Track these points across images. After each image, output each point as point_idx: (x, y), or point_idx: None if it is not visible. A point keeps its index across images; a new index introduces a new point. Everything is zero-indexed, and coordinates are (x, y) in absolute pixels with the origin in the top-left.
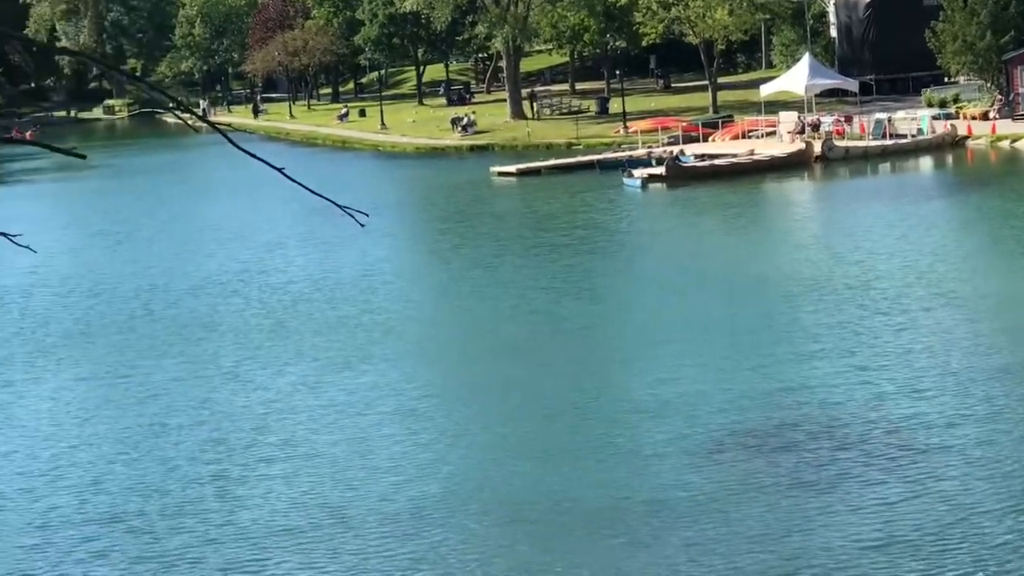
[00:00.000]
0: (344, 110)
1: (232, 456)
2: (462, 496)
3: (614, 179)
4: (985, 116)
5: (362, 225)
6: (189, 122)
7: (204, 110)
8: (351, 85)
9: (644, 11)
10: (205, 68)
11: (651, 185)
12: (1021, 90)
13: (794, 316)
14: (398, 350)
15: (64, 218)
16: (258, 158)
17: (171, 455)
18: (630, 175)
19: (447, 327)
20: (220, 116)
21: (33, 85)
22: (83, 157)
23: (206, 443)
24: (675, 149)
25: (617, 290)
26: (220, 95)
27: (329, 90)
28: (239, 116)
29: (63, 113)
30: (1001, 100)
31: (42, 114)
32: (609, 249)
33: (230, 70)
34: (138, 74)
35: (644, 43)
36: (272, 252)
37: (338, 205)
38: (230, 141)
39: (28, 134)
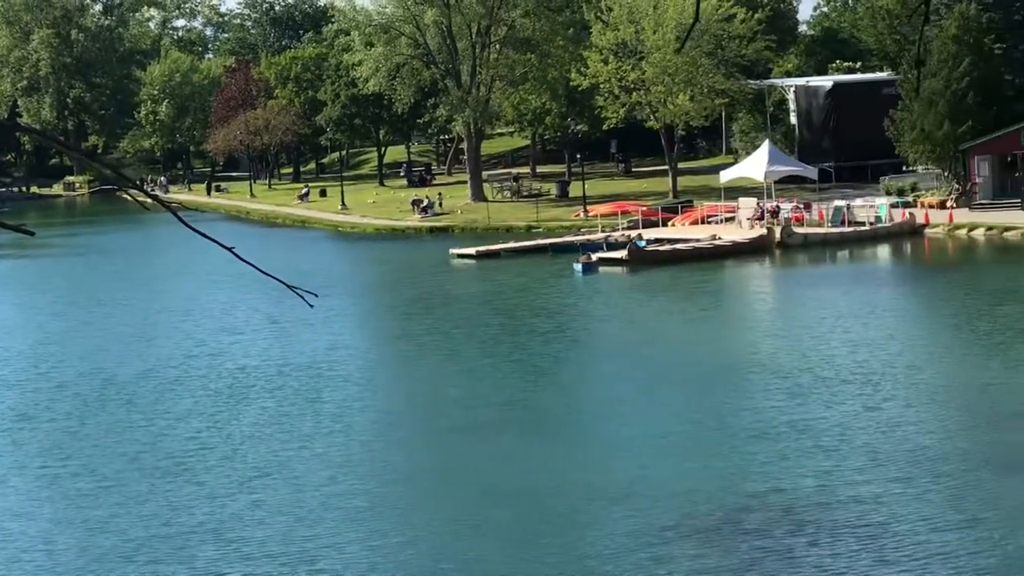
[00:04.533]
0: (305, 190)
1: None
2: None
3: (571, 263)
4: (943, 205)
5: (311, 305)
6: (139, 200)
7: (164, 187)
8: (312, 165)
9: (606, 95)
10: (167, 146)
11: (612, 269)
12: (978, 180)
13: (747, 398)
14: (351, 436)
15: (13, 299)
16: (208, 237)
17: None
18: (588, 259)
19: (402, 412)
20: (179, 194)
21: None
22: (31, 234)
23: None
24: (633, 233)
25: (574, 374)
26: (181, 173)
27: (290, 169)
28: (197, 194)
29: (22, 189)
30: (959, 189)
31: (2, 189)
32: (568, 335)
33: (192, 148)
34: (99, 150)
35: (605, 127)
36: (227, 336)
37: (287, 285)
38: (179, 219)
39: None
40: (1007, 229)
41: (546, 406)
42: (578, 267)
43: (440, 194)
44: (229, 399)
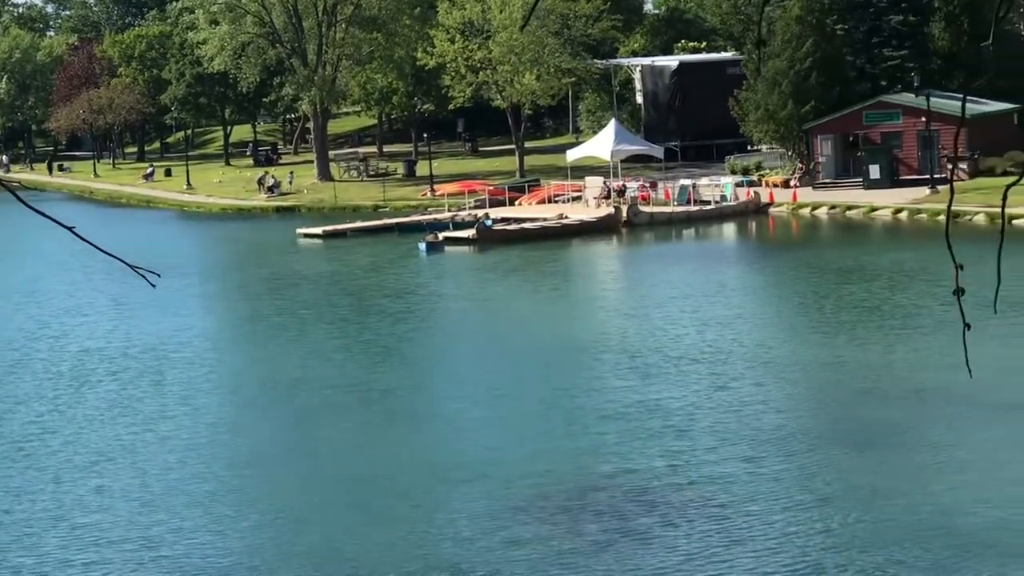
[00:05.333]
0: (149, 169)
1: None
2: (267, 561)
3: (418, 242)
4: (787, 184)
5: (153, 285)
6: None
7: (5, 166)
8: (157, 144)
9: (452, 75)
10: (8, 124)
11: (459, 248)
12: (821, 159)
13: (597, 378)
14: (197, 419)
15: None
16: (48, 217)
17: None
18: (435, 238)
19: (249, 394)
20: (20, 174)
21: None
22: None
23: None
24: (480, 213)
25: (422, 354)
26: (23, 152)
27: (135, 149)
28: (40, 174)
29: None
30: (802, 168)
31: None
32: (417, 315)
33: (33, 127)
34: None
35: (452, 106)
36: (70, 317)
37: (128, 264)
38: (19, 199)
39: None
40: (849, 208)
41: (395, 387)
42: (422, 246)
43: (292, 172)
44: (72, 382)
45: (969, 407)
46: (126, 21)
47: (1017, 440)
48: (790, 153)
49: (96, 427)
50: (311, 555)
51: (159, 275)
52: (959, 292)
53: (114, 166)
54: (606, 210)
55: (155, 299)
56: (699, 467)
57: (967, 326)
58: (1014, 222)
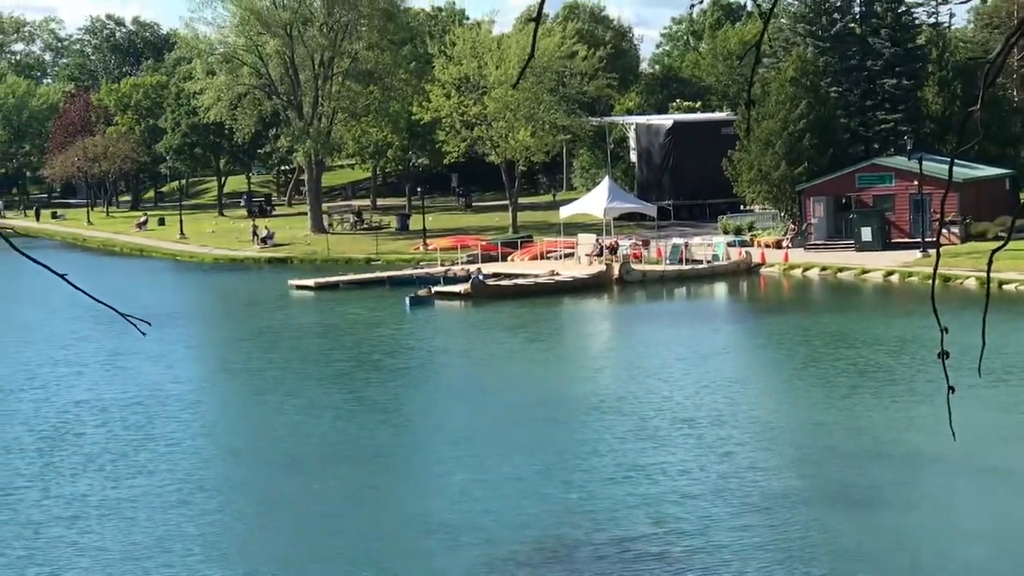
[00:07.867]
0: (143, 218)
1: None
2: None
3: (405, 296)
4: (779, 244)
5: (144, 334)
6: None
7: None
8: (151, 193)
9: (447, 129)
10: (2, 171)
11: (450, 303)
12: (813, 220)
13: (592, 440)
14: (185, 472)
15: None
16: (39, 263)
17: None
18: (428, 292)
19: (236, 446)
20: (14, 220)
21: None
22: None
23: None
24: (472, 268)
25: (416, 411)
26: (16, 198)
27: (129, 197)
28: (31, 220)
29: None
30: (794, 229)
31: None
32: (408, 369)
33: (28, 174)
34: None
35: (446, 161)
36: (57, 367)
37: (119, 313)
38: (11, 245)
39: None
40: (841, 269)
41: (388, 444)
42: (407, 301)
43: (272, 227)
44: (57, 432)
45: (957, 471)
46: (123, 70)
47: (1000, 504)
48: (783, 214)
49: (80, 479)
50: None
51: (149, 324)
52: (944, 355)
53: (108, 214)
54: (598, 267)
55: (146, 349)
56: (696, 534)
57: (951, 389)
58: (1004, 287)
